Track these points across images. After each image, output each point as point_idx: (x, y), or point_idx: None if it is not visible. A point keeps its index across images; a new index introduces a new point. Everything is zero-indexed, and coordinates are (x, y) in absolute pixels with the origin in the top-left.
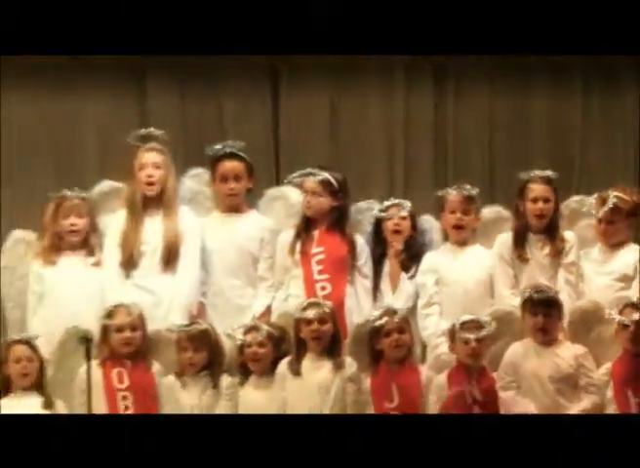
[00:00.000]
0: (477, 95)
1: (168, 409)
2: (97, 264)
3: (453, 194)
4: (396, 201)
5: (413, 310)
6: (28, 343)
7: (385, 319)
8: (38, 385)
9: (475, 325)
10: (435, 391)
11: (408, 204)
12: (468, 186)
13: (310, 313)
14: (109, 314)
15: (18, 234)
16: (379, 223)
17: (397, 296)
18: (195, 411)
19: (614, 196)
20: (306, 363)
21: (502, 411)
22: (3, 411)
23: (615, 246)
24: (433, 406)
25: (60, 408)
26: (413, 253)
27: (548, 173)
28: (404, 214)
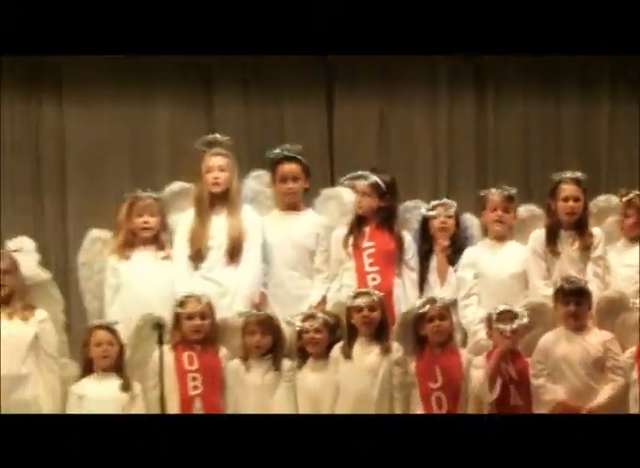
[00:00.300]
0: (513, 104)
1: (233, 389)
2: (167, 258)
3: (495, 194)
4: (442, 201)
5: (455, 300)
6: (109, 328)
7: (428, 307)
8: (117, 367)
9: (510, 316)
10: (475, 369)
11: (453, 203)
12: (507, 187)
13: (361, 301)
14: (181, 303)
15: (95, 233)
16: (426, 221)
17: (445, 289)
18: (258, 391)
19: (632, 193)
20: (357, 347)
21: (534, 397)
22: (85, 390)
23: (634, 239)
24: (474, 382)
25: (137, 389)
26: (456, 249)
27: (578, 174)
28: (449, 212)
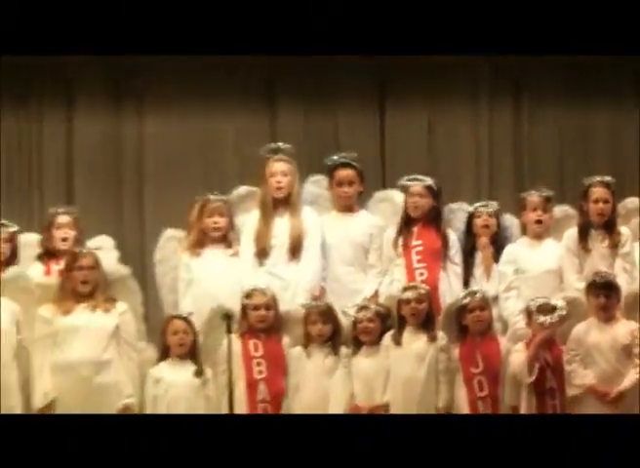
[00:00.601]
0: (548, 113)
1: (295, 374)
2: (235, 255)
3: (534, 195)
4: (485, 202)
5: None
6: (184, 319)
7: (469, 299)
8: (191, 354)
9: (549, 308)
10: (516, 355)
11: (494, 204)
12: (545, 189)
13: (410, 295)
14: (248, 296)
15: (169, 232)
16: (470, 221)
17: (491, 283)
18: (317, 376)
19: None
20: (406, 335)
21: (567, 381)
22: (162, 374)
23: None
24: (514, 365)
25: (208, 373)
26: (498, 246)
27: (607, 178)
28: (491, 212)
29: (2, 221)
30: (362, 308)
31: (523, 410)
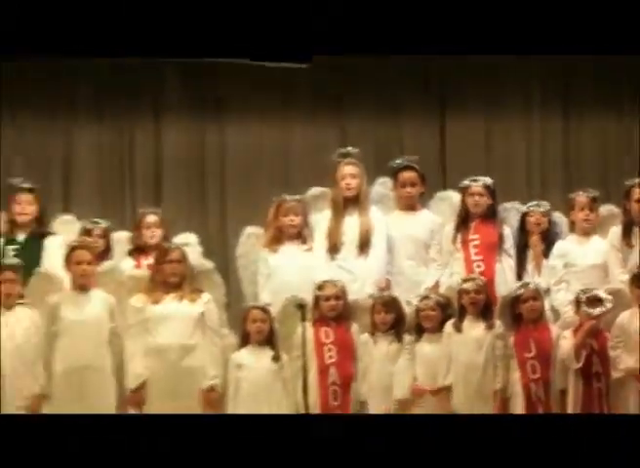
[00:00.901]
0: (594, 121)
1: (362, 359)
2: (308, 250)
3: (582, 196)
4: (537, 202)
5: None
6: (263, 309)
7: (523, 290)
8: (269, 341)
9: (596, 299)
10: (564, 341)
11: (545, 204)
12: (592, 190)
13: (468, 285)
14: (320, 287)
15: (249, 230)
16: (523, 219)
17: (542, 276)
18: (383, 361)
19: None
20: (466, 323)
21: (612, 366)
22: (243, 360)
23: None
24: (563, 351)
25: (284, 358)
26: (548, 242)
27: None
28: (543, 211)
29: (97, 220)
30: (424, 298)
31: (571, 393)
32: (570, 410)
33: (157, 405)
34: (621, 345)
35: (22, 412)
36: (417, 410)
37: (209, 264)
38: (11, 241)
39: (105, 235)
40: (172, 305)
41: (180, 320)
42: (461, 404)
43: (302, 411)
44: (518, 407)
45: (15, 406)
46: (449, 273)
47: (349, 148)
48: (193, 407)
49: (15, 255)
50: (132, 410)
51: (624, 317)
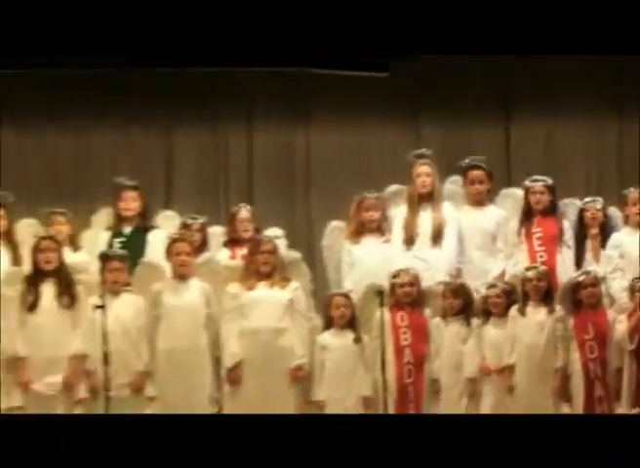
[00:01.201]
0: None
1: (435, 340)
2: (387, 242)
3: (635, 192)
4: (593, 198)
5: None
6: (345, 295)
7: (583, 277)
8: (351, 324)
9: None
10: (619, 325)
11: (601, 200)
12: None
13: (531, 274)
14: (395, 275)
15: (334, 224)
16: (581, 214)
17: (599, 266)
18: (454, 342)
19: None
20: (529, 308)
21: None
22: (327, 342)
23: None
24: (618, 334)
25: (365, 340)
26: (605, 234)
27: None
28: (599, 206)
29: (195, 215)
30: (491, 286)
31: (626, 371)
32: (625, 387)
33: (251, 382)
34: None
35: (127, 390)
36: (484, 388)
37: (296, 255)
38: (117, 234)
39: (203, 229)
40: (264, 292)
41: (272, 305)
42: (523, 381)
43: (381, 389)
44: (577, 384)
45: (119, 382)
46: (513, 262)
47: (424, 150)
48: (283, 384)
49: (121, 247)
50: (228, 388)
51: None
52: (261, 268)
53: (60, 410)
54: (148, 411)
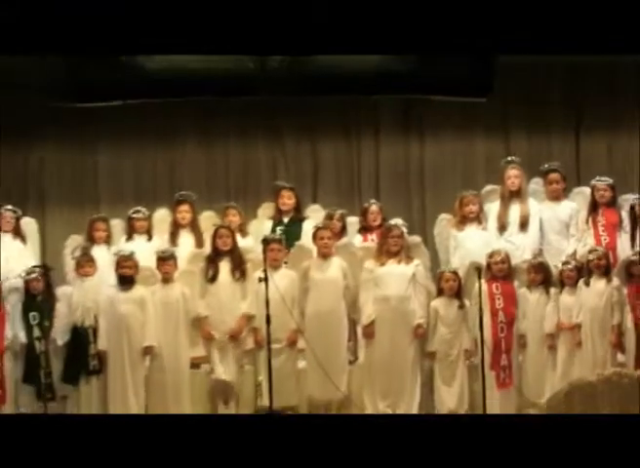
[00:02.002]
0: None
1: (521, 305)
2: (484, 229)
3: None
4: None
5: None
6: (453, 272)
7: (637, 256)
8: (457, 294)
9: None
10: None
11: None
12: None
13: (594, 255)
14: (491, 255)
15: (443, 216)
16: (632, 207)
17: None
18: (536, 307)
19: None
20: (593, 280)
21: None
22: (439, 309)
23: None
24: None
25: (467, 306)
26: None
27: None
28: None
29: (336, 208)
30: (565, 263)
31: None
32: None
33: (381, 336)
34: None
35: (283, 343)
36: (559, 341)
37: (418, 239)
38: (278, 223)
39: (342, 219)
40: (393, 267)
41: (399, 277)
42: (588, 336)
43: (480, 343)
44: (630, 338)
45: (277, 337)
46: (583, 244)
47: (513, 157)
48: (406, 338)
49: (281, 234)
50: (364, 341)
51: None
52: (392, 248)
53: (231, 360)
54: (300, 361)
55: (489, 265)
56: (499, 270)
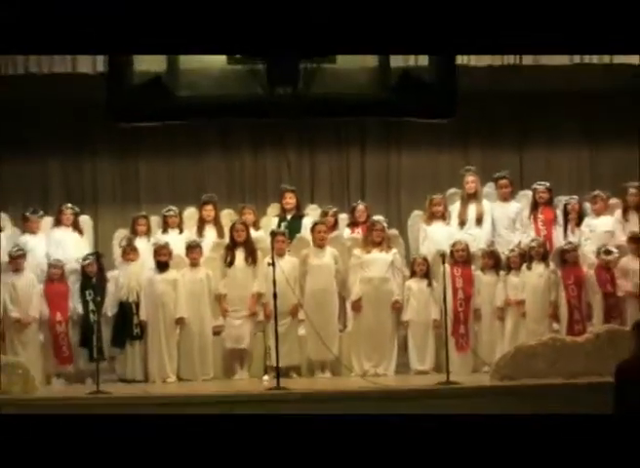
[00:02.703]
0: None
1: (477, 286)
2: (447, 224)
3: (597, 194)
4: (572, 196)
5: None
6: (424, 258)
7: (568, 245)
8: (426, 275)
9: (608, 250)
10: (590, 273)
11: (577, 197)
12: (601, 191)
13: (535, 243)
14: (453, 245)
15: (415, 212)
16: (565, 206)
17: (577, 238)
18: (488, 287)
19: None
20: (534, 264)
21: (618, 289)
22: (412, 286)
23: None
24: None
25: (434, 284)
26: (580, 218)
27: None
28: (576, 202)
29: (330, 206)
30: (512, 251)
31: (595, 307)
32: (595, 318)
33: (366, 310)
34: (622, 276)
35: (287, 315)
36: (507, 314)
37: (396, 232)
38: (282, 219)
39: (334, 216)
40: (376, 254)
41: (380, 262)
42: (530, 309)
43: (444, 314)
44: (563, 311)
45: (283, 310)
46: (526, 236)
47: (471, 167)
48: (386, 311)
49: (285, 228)
50: (352, 313)
51: (623, 260)
52: (375, 239)
53: (247, 331)
54: (300, 329)
55: (451, 253)
56: (459, 256)
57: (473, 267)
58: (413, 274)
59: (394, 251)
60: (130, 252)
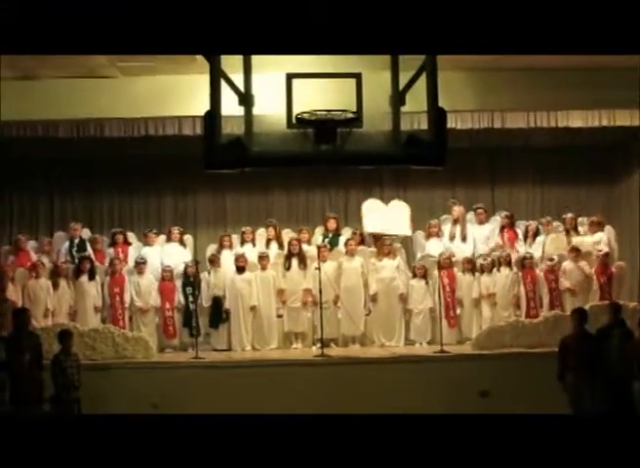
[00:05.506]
0: None
1: (459, 283)
2: (440, 240)
3: (546, 220)
4: (530, 222)
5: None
6: (422, 263)
7: (526, 254)
8: (424, 276)
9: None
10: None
11: (534, 222)
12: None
13: (502, 253)
14: (441, 254)
15: (418, 232)
16: (526, 228)
17: (532, 249)
18: (467, 284)
19: None
20: (502, 268)
21: (560, 285)
22: (414, 284)
23: None
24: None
25: (430, 283)
26: (535, 236)
27: None
28: (534, 225)
29: (357, 228)
30: (485, 258)
31: (545, 299)
32: (544, 306)
33: (381, 300)
34: (563, 276)
35: (330, 303)
36: (482, 304)
37: (399, 245)
38: (325, 236)
39: (361, 235)
40: (386, 261)
41: (390, 267)
42: (499, 300)
43: (437, 303)
44: (522, 301)
45: (326, 299)
46: (496, 249)
47: (456, 199)
48: (395, 301)
49: (328, 242)
50: (371, 304)
51: (564, 264)
52: (385, 251)
53: (300, 315)
54: (338, 313)
55: (440, 260)
56: (444, 262)
57: (456, 270)
58: (414, 275)
59: (398, 258)
60: (216, 260)
